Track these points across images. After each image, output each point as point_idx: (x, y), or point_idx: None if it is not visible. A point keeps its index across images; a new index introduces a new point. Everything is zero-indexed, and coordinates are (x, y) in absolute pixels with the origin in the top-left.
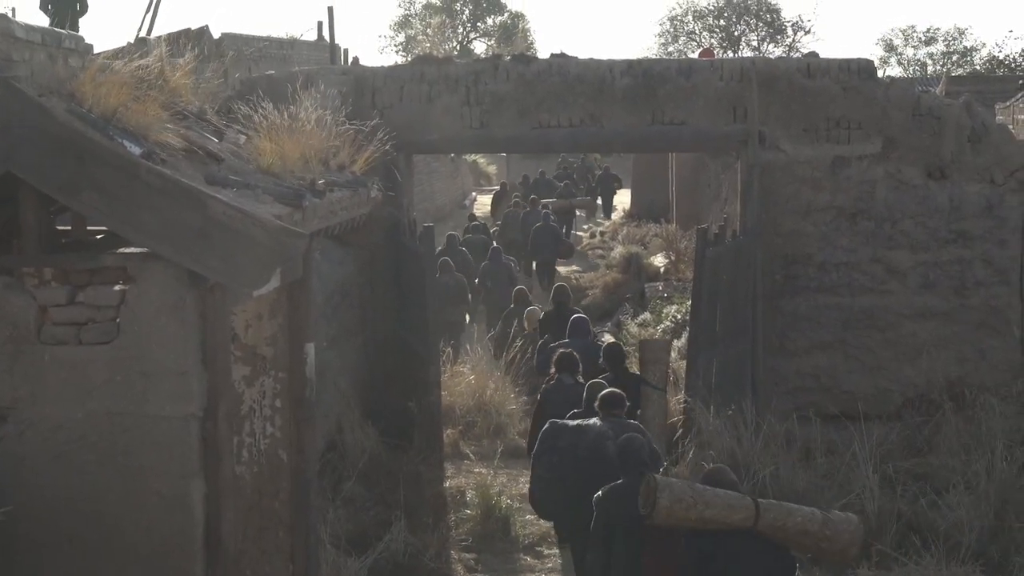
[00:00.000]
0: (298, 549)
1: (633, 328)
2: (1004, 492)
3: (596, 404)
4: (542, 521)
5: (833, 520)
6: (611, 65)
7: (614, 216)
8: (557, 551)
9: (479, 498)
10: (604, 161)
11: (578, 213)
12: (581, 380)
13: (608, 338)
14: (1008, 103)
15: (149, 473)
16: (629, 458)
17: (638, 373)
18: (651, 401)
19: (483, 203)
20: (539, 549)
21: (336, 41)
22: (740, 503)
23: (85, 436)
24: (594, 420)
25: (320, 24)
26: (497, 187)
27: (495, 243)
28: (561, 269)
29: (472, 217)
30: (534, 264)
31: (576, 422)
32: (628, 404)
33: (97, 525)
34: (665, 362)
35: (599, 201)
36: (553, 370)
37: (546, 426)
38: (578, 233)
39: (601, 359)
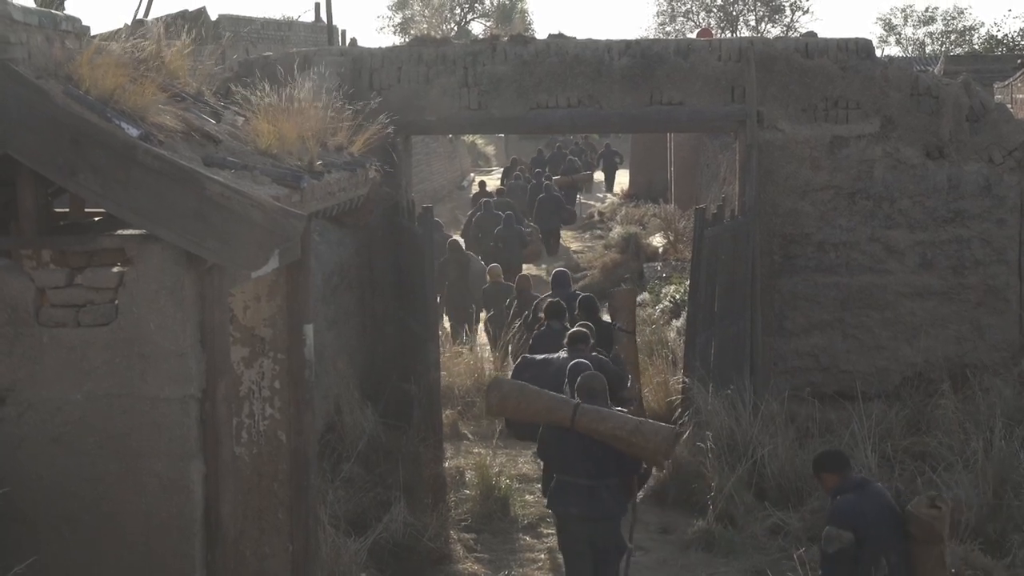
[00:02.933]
0: (297, 530)
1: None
2: (1002, 471)
3: (564, 341)
4: (541, 501)
5: (643, 430)
6: (609, 46)
7: (612, 194)
8: (555, 530)
9: (478, 478)
10: (603, 140)
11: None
12: (568, 326)
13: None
14: (1007, 82)
15: (148, 454)
16: (573, 377)
17: (610, 320)
18: (622, 343)
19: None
20: (538, 529)
21: (333, 22)
22: (560, 407)
23: (84, 418)
24: (559, 354)
25: (317, 5)
26: (494, 167)
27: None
28: (573, 245)
29: (482, 187)
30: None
31: (542, 356)
32: (592, 341)
33: (96, 507)
34: (631, 309)
35: (602, 177)
36: (543, 316)
37: (519, 360)
38: (591, 203)
39: (576, 309)
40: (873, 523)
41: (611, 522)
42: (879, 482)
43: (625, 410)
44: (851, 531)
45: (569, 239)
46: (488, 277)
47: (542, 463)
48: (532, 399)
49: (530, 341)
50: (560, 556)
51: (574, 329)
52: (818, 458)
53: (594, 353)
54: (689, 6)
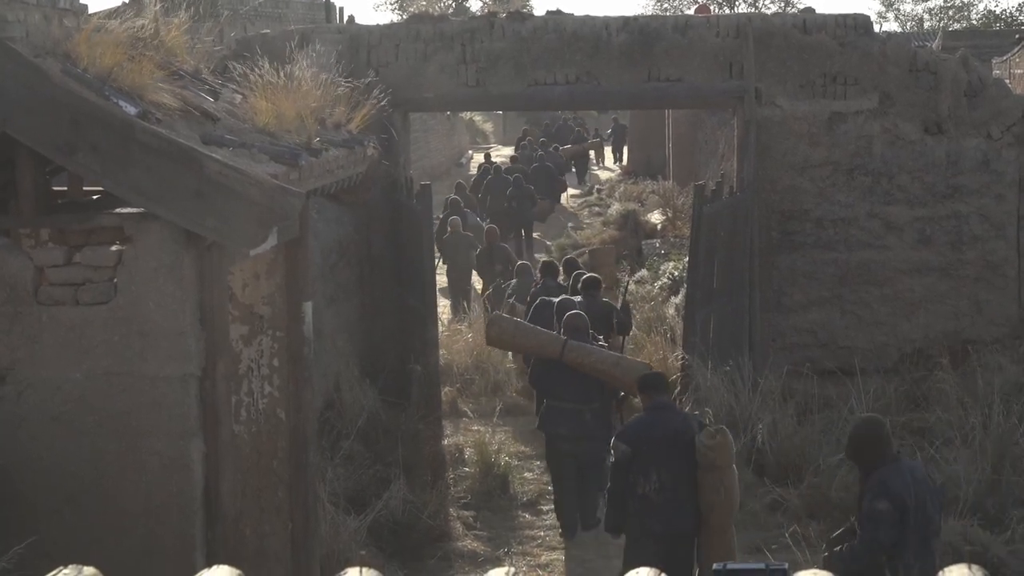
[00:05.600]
0: (297, 508)
1: (631, 285)
2: (1001, 446)
3: (579, 286)
4: (541, 479)
5: (622, 365)
6: (607, 22)
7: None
8: (555, 508)
9: (477, 456)
10: (611, 115)
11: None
12: (561, 282)
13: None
14: (1005, 58)
15: (148, 433)
16: (560, 314)
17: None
18: None
19: (479, 160)
20: (538, 506)
21: None
22: (550, 342)
23: (83, 397)
24: (577, 298)
25: None
26: (492, 144)
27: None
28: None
29: (487, 158)
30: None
31: (561, 298)
32: (604, 286)
33: (96, 486)
34: (610, 264)
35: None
36: (539, 275)
37: (536, 302)
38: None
39: (560, 270)
40: (649, 442)
41: (594, 441)
42: (691, 413)
43: (605, 345)
44: (628, 445)
45: (568, 217)
46: (449, 228)
47: (534, 391)
48: (526, 335)
49: (528, 296)
50: (556, 534)
51: (589, 275)
52: (639, 379)
53: (604, 300)
54: None
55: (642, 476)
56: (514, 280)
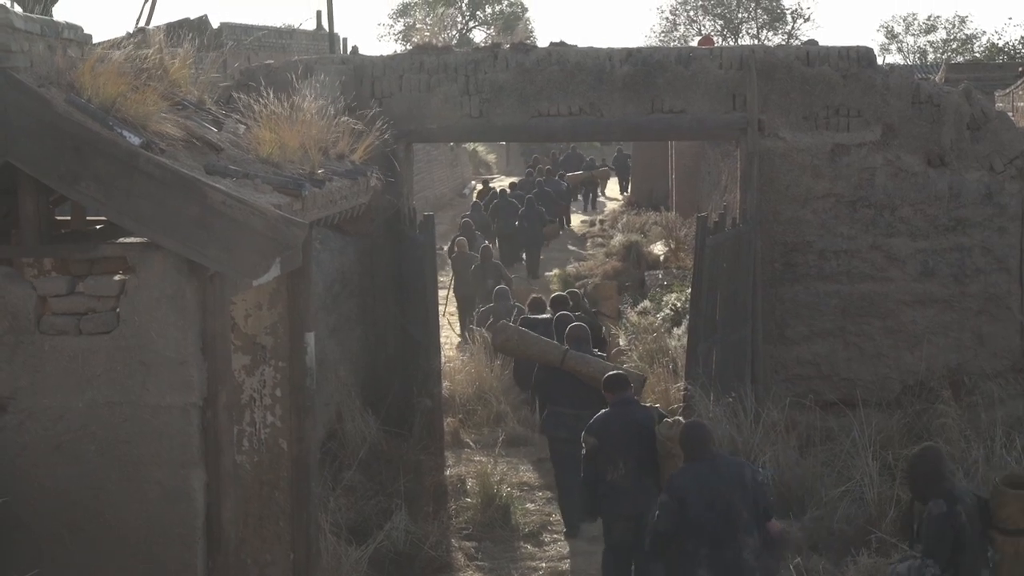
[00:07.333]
0: (299, 538)
1: (633, 316)
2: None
3: (548, 304)
4: (543, 510)
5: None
6: (610, 53)
7: (611, 204)
8: (557, 539)
9: (479, 487)
10: (617, 146)
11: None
12: (547, 315)
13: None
14: (1007, 90)
15: (149, 463)
16: (560, 327)
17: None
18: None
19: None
20: (540, 537)
21: (335, 30)
22: (552, 350)
23: (85, 426)
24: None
25: (319, 13)
26: (496, 175)
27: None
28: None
29: (486, 184)
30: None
31: (542, 316)
32: (571, 303)
33: (97, 515)
34: (612, 298)
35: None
36: (527, 309)
37: (519, 320)
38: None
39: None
40: (613, 434)
41: None
42: (651, 406)
43: (604, 354)
44: (595, 437)
45: (575, 242)
46: (456, 248)
47: (536, 398)
48: (530, 342)
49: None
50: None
51: (556, 294)
52: (604, 379)
53: (577, 313)
54: (692, 13)
55: (610, 464)
56: (491, 304)
